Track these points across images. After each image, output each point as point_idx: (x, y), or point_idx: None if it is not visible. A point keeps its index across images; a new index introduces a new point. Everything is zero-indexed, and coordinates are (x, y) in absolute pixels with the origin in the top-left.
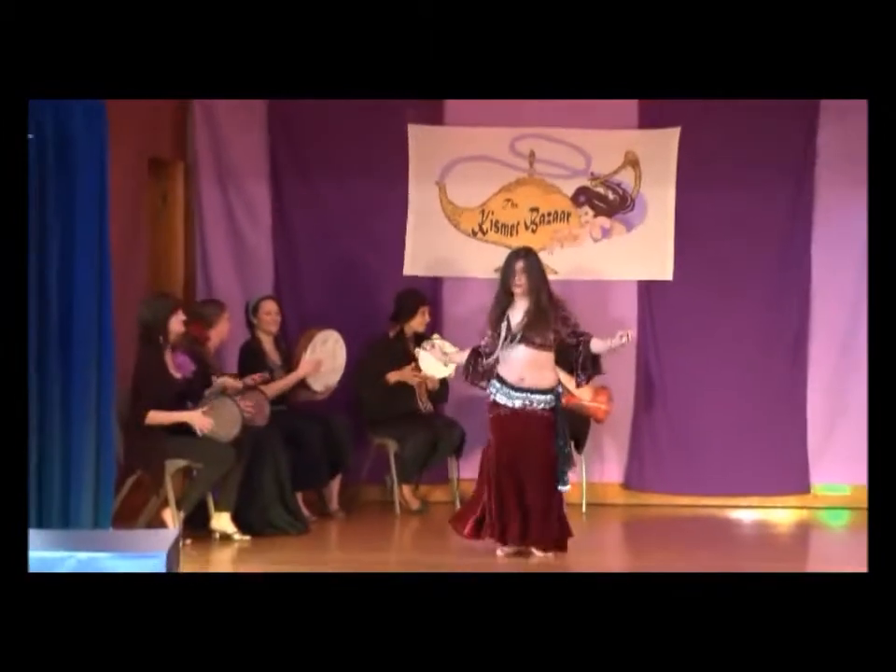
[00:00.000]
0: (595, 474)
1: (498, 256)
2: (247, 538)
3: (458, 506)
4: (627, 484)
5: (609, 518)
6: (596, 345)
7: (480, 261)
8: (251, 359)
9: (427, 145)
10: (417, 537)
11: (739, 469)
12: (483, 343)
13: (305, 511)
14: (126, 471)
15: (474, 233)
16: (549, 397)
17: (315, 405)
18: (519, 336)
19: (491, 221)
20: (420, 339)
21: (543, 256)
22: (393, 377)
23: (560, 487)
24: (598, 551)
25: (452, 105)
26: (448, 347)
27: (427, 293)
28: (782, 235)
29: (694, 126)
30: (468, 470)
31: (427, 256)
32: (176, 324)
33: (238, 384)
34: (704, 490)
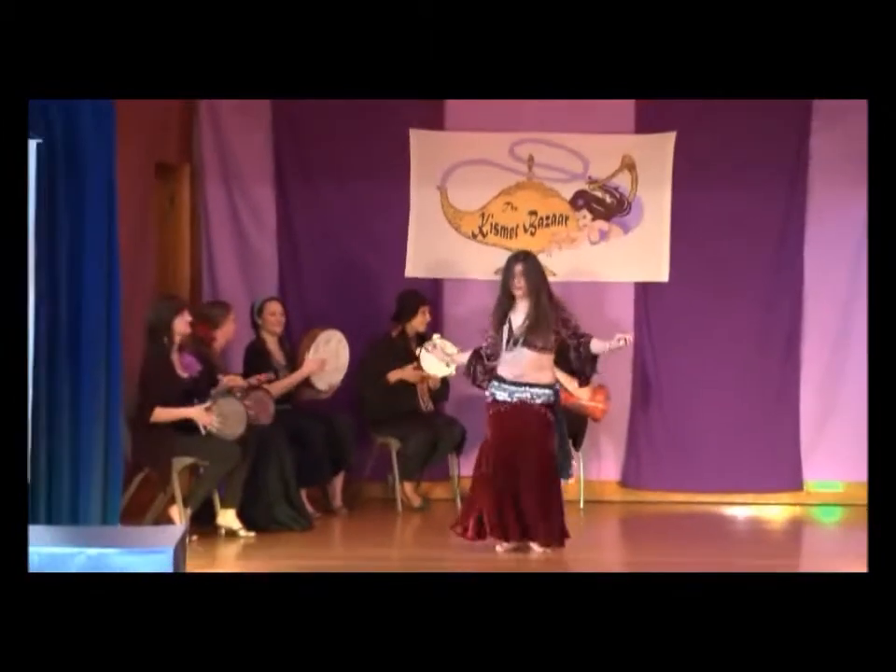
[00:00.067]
0: (593, 472)
1: (498, 258)
2: (252, 534)
3: (459, 503)
4: (624, 482)
5: (607, 515)
6: (596, 346)
7: (480, 263)
8: (256, 359)
9: (428, 149)
10: (419, 533)
11: (734, 467)
12: (484, 344)
13: (309, 508)
14: (134, 469)
15: (474, 236)
16: (547, 391)
17: (318, 404)
18: (521, 339)
19: (491, 224)
20: (422, 338)
21: (542, 258)
22: (394, 376)
23: (564, 480)
24: (596, 547)
25: (452, 110)
26: (450, 348)
27: (428, 294)
28: (776, 237)
29: (690, 130)
30: (468, 468)
31: (428, 258)
32: (182, 325)
33: (243, 383)
34: (699, 487)
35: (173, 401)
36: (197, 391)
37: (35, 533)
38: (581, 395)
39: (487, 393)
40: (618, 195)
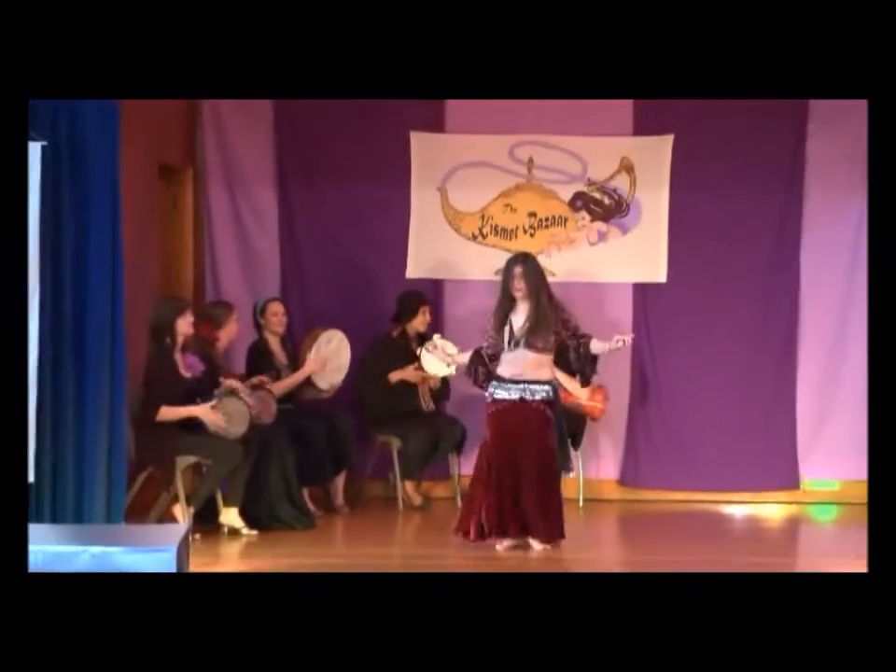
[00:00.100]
0: (592, 471)
1: (498, 259)
2: (255, 532)
3: (459, 501)
4: (623, 481)
5: (606, 513)
6: (595, 347)
7: (480, 264)
8: (259, 359)
9: (428, 151)
10: (419, 532)
11: (731, 466)
12: (485, 344)
13: (311, 507)
14: (137, 468)
15: (474, 237)
16: (546, 387)
17: (320, 404)
18: (522, 340)
19: (491, 226)
20: (422, 339)
21: (541, 259)
22: (395, 377)
23: (565, 474)
24: (595, 546)
25: (453, 113)
26: (450, 348)
27: (428, 295)
28: (773, 238)
29: (687, 133)
30: (468, 467)
31: (428, 259)
32: (184, 325)
33: (241, 387)
34: (697, 486)
35: (176, 401)
36: (200, 391)
37: (40, 531)
38: (580, 394)
39: (487, 393)
40: (616, 197)
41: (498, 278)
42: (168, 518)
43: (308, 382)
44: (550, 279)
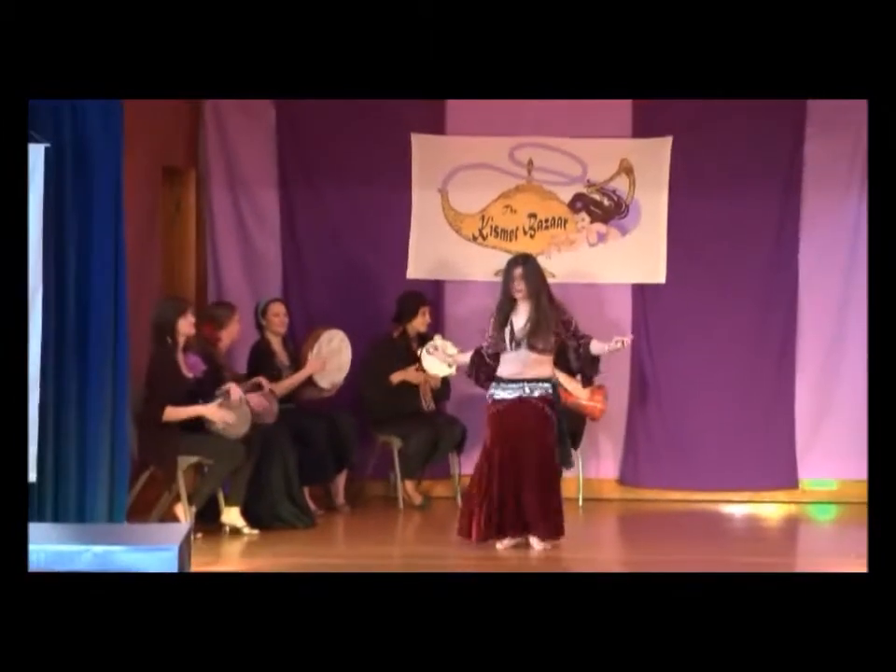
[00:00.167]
0: (591, 470)
1: (498, 260)
2: (256, 531)
3: (459, 501)
4: (622, 480)
5: (605, 513)
6: (595, 347)
7: (480, 265)
8: (260, 359)
9: (429, 153)
10: (420, 531)
11: (730, 465)
12: (485, 344)
13: (312, 506)
14: (140, 467)
15: (475, 238)
16: (545, 385)
17: (321, 403)
18: (524, 341)
19: (491, 227)
20: (422, 339)
21: (541, 260)
22: (397, 378)
23: (565, 468)
24: (595, 545)
25: (453, 115)
26: (451, 348)
27: (429, 296)
28: (771, 239)
29: (686, 135)
30: (469, 466)
31: (429, 260)
32: (186, 325)
33: (241, 392)
34: (696, 485)
35: (178, 401)
36: (201, 391)
37: (42, 531)
38: (580, 394)
39: (487, 395)
40: (616, 198)
41: (499, 279)
42: (170, 517)
43: (310, 381)
44: (550, 280)
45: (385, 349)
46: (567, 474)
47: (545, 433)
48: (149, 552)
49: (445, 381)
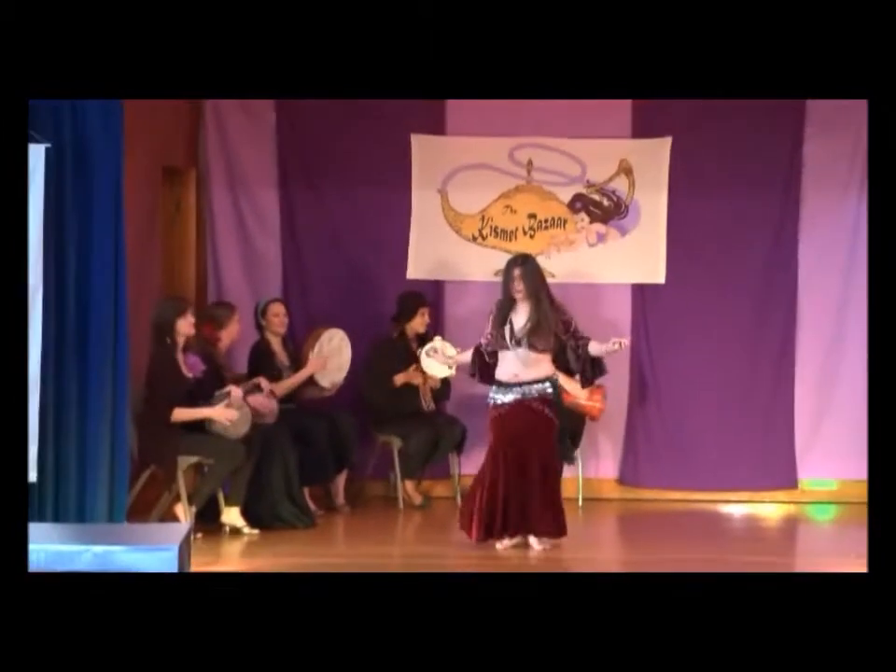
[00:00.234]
0: (591, 470)
1: (498, 260)
2: (256, 531)
3: (459, 501)
4: (622, 480)
5: (605, 513)
6: (593, 348)
7: (480, 265)
8: (260, 360)
9: (428, 153)
10: (420, 531)
11: (730, 465)
12: (483, 341)
13: (312, 506)
14: (140, 467)
15: (474, 239)
16: (544, 384)
17: (321, 403)
18: (524, 341)
19: (491, 227)
20: (422, 339)
21: (541, 260)
22: (400, 379)
23: (567, 464)
24: (594, 545)
25: (453, 115)
26: (450, 350)
27: (429, 296)
28: (771, 239)
29: (686, 135)
30: (468, 467)
31: (429, 260)
32: (185, 325)
33: (240, 394)
34: (695, 485)
35: (178, 401)
36: (201, 392)
37: (42, 531)
38: (578, 394)
39: (489, 397)
40: (615, 198)
41: (498, 279)
42: (170, 517)
43: (310, 381)
44: (549, 280)
45: (386, 349)
46: (566, 474)
47: (547, 434)
48: (149, 552)
49: (445, 381)
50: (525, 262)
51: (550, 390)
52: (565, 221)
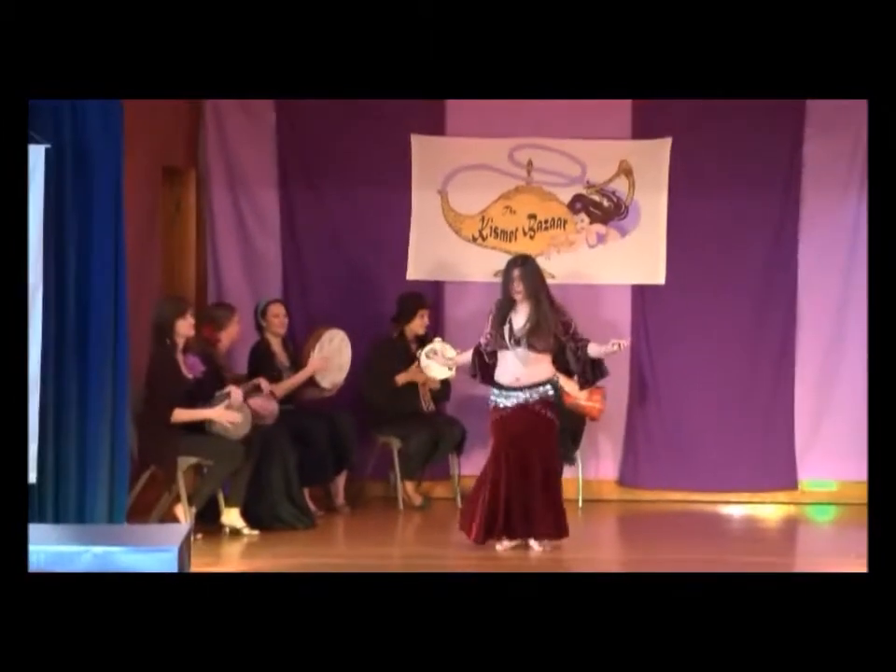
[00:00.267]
0: (591, 471)
1: (498, 261)
2: (256, 532)
3: (459, 502)
4: (622, 481)
5: (605, 513)
6: (593, 350)
7: (480, 266)
8: (260, 360)
9: (428, 154)
10: (419, 531)
11: (730, 466)
12: (483, 341)
13: (312, 507)
14: (140, 468)
15: (474, 239)
16: (545, 387)
17: (321, 404)
18: (523, 341)
19: (491, 228)
20: (421, 340)
21: (541, 261)
22: (402, 379)
23: (568, 464)
24: (594, 545)
25: (453, 116)
26: (450, 351)
27: (429, 297)
28: (770, 240)
29: (686, 135)
30: (468, 467)
31: (429, 261)
32: (185, 326)
33: (240, 396)
34: (695, 486)
35: (177, 402)
36: (200, 392)
37: (42, 531)
38: (578, 395)
39: (490, 399)
40: (615, 199)
41: (498, 280)
42: (170, 518)
43: (311, 381)
44: (549, 281)
45: (386, 350)
46: (566, 475)
47: (548, 436)
48: (149, 552)
49: (445, 382)
50: (524, 263)
51: (551, 392)
52: (565, 222)
